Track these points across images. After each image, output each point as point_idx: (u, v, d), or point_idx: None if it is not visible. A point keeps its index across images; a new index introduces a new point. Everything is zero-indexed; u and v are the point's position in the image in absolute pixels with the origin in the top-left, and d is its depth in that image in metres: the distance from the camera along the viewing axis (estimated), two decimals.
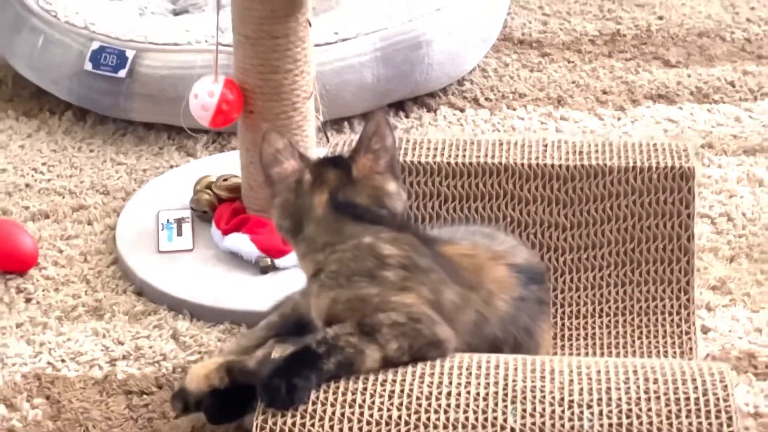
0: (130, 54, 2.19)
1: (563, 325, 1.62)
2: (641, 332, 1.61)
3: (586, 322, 1.62)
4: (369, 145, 1.49)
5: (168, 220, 1.96)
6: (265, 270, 1.85)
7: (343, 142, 1.72)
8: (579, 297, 1.63)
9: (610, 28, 2.57)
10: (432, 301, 1.40)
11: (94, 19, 2.25)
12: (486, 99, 2.34)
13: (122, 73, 2.18)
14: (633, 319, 1.62)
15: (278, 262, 1.85)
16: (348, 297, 1.40)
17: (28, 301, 1.83)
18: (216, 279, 1.84)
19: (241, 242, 1.87)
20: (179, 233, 1.94)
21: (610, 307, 1.63)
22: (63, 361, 1.72)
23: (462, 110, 2.30)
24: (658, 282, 1.63)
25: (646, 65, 2.45)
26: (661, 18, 2.61)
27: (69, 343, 1.75)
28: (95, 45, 2.20)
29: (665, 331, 1.61)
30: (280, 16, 1.76)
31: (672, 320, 1.61)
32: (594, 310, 1.62)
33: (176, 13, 2.51)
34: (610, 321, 1.62)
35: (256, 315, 1.75)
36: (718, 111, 2.29)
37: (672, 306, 1.62)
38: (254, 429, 1.29)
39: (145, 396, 1.65)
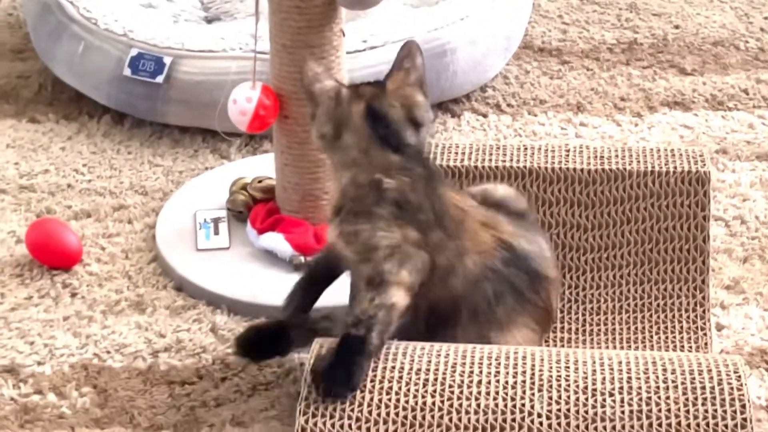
0: (167, 60, 2.28)
1: (584, 320, 1.70)
2: (659, 328, 1.69)
3: (607, 318, 1.70)
4: (401, 64, 1.63)
5: (205, 220, 2.05)
6: (298, 267, 1.93)
7: None
8: (600, 294, 1.72)
9: (628, 37, 2.65)
10: (416, 240, 1.51)
11: (132, 26, 2.34)
12: (508, 105, 2.42)
13: (160, 79, 2.27)
14: (651, 316, 1.70)
15: (311, 259, 1.93)
16: (348, 231, 1.55)
17: (73, 295, 1.92)
18: (252, 276, 1.93)
19: (276, 241, 1.96)
20: (216, 232, 2.02)
21: (629, 304, 1.71)
22: (108, 352, 1.80)
23: (485, 116, 2.38)
24: (675, 281, 1.71)
25: (662, 73, 2.53)
26: (677, 27, 2.69)
27: (113, 336, 1.83)
28: (134, 51, 2.29)
29: (681, 327, 1.69)
30: (316, 26, 1.85)
31: (688, 317, 1.70)
32: (614, 306, 1.71)
33: (209, 20, 2.60)
34: (629, 317, 1.70)
35: None
36: (732, 118, 2.38)
37: (688, 303, 1.71)
38: (297, 414, 1.38)
39: (186, 386, 1.74)
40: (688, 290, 1.71)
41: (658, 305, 1.71)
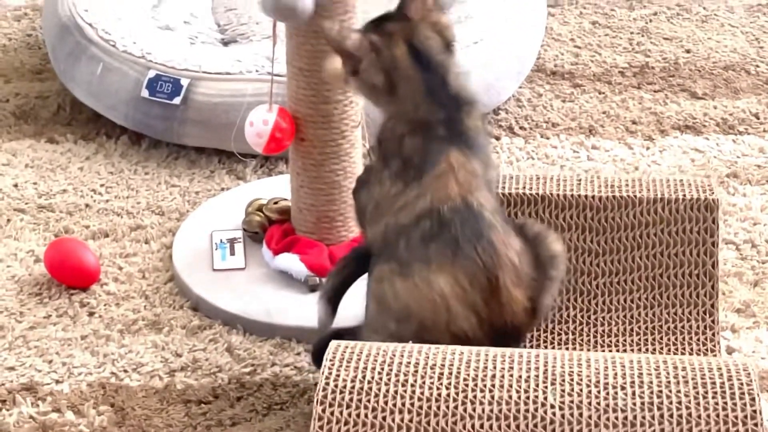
0: (184, 82, 2.31)
1: (596, 343, 1.72)
2: (669, 351, 1.71)
3: (618, 341, 1.72)
4: None
5: (221, 240, 2.07)
6: (313, 288, 1.96)
7: None
8: (611, 318, 1.74)
9: (640, 61, 2.68)
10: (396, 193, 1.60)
11: (150, 48, 2.37)
12: (520, 128, 2.45)
13: (177, 100, 2.30)
14: (661, 339, 1.72)
15: (329, 272, 1.96)
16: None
17: (91, 314, 1.95)
18: (267, 296, 1.96)
19: (291, 262, 1.99)
20: (232, 252, 2.05)
21: (640, 327, 1.73)
22: (125, 371, 1.83)
23: (498, 138, 2.41)
24: (684, 305, 1.74)
25: (673, 97, 2.55)
26: (688, 51, 2.71)
27: (130, 355, 1.86)
28: (152, 73, 2.33)
29: (692, 350, 1.72)
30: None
31: (698, 340, 1.72)
32: (625, 330, 1.73)
33: (225, 42, 2.63)
34: (640, 340, 1.72)
35: (305, 330, 1.88)
36: (742, 142, 2.40)
37: (698, 327, 1.73)
38: (315, 404, 1.39)
39: (203, 405, 1.77)
40: (697, 314, 1.73)
41: (668, 329, 1.73)
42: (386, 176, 1.62)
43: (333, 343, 1.43)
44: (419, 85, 1.61)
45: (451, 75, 1.64)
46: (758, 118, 2.47)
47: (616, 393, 1.36)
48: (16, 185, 2.26)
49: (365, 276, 1.68)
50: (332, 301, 1.70)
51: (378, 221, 1.62)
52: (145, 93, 2.32)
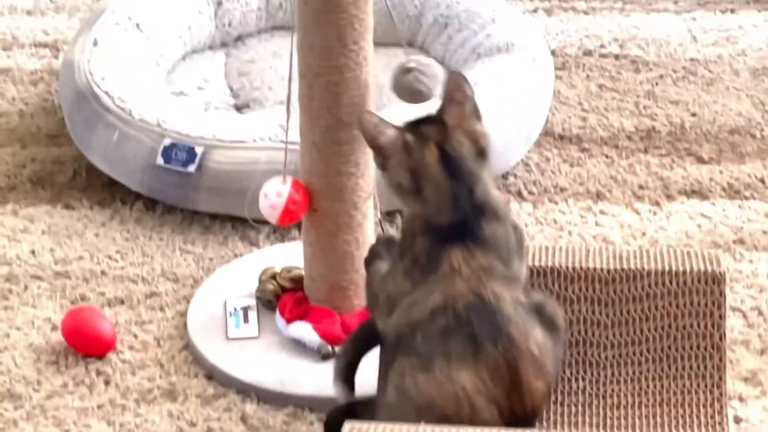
0: (199, 150, 2.35)
1: (605, 415, 1.75)
2: (677, 422, 1.74)
3: (627, 413, 1.75)
4: (453, 98, 1.68)
5: (235, 308, 2.11)
6: (326, 357, 1.99)
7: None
8: (620, 390, 1.77)
9: (646, 125, 2.72)
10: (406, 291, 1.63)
11: (165, 116, 2.41)
12: (529, 193, 2.48)
13: (191, 168, 2.34)
14: (670, 411, 1.75)
15: (339, 349, 1.99)
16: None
17: (107, 383, 1.98)
18: (281, 365, 1.99)
19: (304, 330, 2.02)
20: (246, 320, 2.08)
21: (648, 399, 1.76)
22: None
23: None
24: (692, 376, 1.76)
25: (680, 161, 2.59)
26: (694, 115, 2.75)
27: (146, 425, 1.89)
28: (167, 141, 2.37)
29: (700, 422, 1.74)
30: (345, 124, 1.92)
31: (706, 412, 1.74)
32: (634, 401, 1.76)
33: (238, 107, 2.68)
34: (648, 412, 1.75)
35: (319, 399, 1.91)
36: (748, 207, 2.43)
37: (706, 399, 1.75)
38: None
39: None
40: (705, 386, 1.76)
41: (676, 401, 1.76)
42: (399, 271, 1.65)
43: (348, 424, 1.45)
44: (445, 191, 1.62)
45: (480, 184, 1.63)
46: (764, 183, 2.50)
47: None
48: (33, 252, 2.29)
49: (377, 348, 1.71)
50: (348, 379, 1.73)
51: (389, 313, 1.65)
52: (160, 161, 2.36)
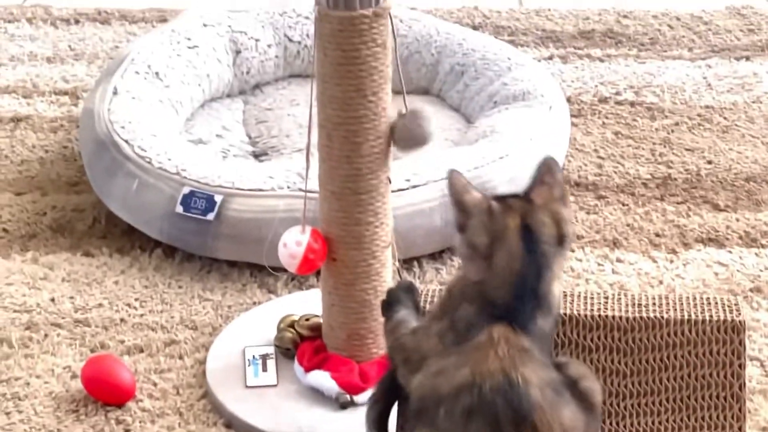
0: (218, 198, 2.37)
1: None
2: None
3: None
4: (543, 179, 1.65)
5: (254, 356, 2.11)
6: (344, 405, 1.99)
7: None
8: None
9: (662, 172, 2.73)
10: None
11: (185, 165, 2.43)
12: None
13: (210, 216, 2.36)
14: None
15: (357, 398, 1.99)
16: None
17: None
18: (299, 413, 1.99)
19: (323, 379, 2.02)
20: (264, 369, 2.09)
21: None
22: None
23: None
24: (712, 427, 1.76)
25: (696, 209, 2.59)
26: (710, 162, 2.76)
27: None
28: (186, 190, 2.38)
29: None
30: (364, 174, 1.93)
31: None
32: None
33: (256, 155, 2.70)
34: None
35: None
36: (765, 255, 2.43)
37: None
38: None
39: None
40: None
41: None
42: (433, 331, 1.62)
43: None
44: (517, 264, 1.59)
45: (549, 272, 1.60)
46: None
47: None
48: (53, 299, 2.31)
49: None
50: (381, 428, 1.73)
51: (414, 371, 1.63)
52: (179, 209, 2.37)
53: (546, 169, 1.66)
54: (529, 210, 1.62)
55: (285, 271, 2.30)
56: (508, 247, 1.59)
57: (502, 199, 1.64)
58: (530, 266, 1.59)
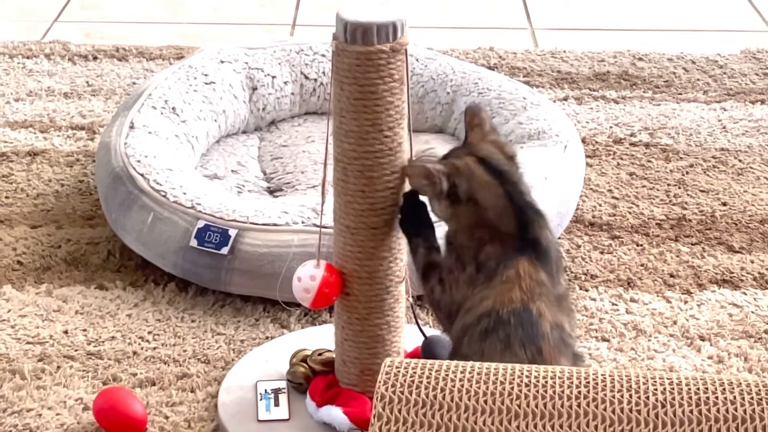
0: (232, 233, 2.37)
1: None
2: None
3: None
4: (472, 124, 1.86)
5: (266, 391, 2.11)
6: None
7: None
8: None
9: (677, 213, 2.73)
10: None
11: (199, 198, 2.44)
12: None
13: (224, 250, 2.36)
14: None
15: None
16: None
17: None
18: None
19: (335, 414, 2.01)
20: (276, 404, 2.08)
21: None
22: None
23: None
24: None
25: (710, 250, 2.59)
26: (724, 204, 2.76)
27: None
28: (201, 224, 2.39)
29: None
30: (378, 209, 1.93)
31: None
32: None
33: (271, 191, 2.71)
34: None
35: None
36: None
37: None
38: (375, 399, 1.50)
39: None
40: None
41: None
42: (462, 281, 1.77)
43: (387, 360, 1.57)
44: (497, 189, 1.78)
45: (523, 185, 1.79)
46: None
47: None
48: (66, 332, 2.31)
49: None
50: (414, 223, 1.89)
51: (456, 322, 1.76)
52: (193, 243, 2.38)
53: (471, 115, 1.86)
54: (475, 149, 1.82)
55: (298, 306, 2.31)
56: (480, 180, 1.78)
57: (450, 154, 1.86)
58: (506, 185, 1.78)
